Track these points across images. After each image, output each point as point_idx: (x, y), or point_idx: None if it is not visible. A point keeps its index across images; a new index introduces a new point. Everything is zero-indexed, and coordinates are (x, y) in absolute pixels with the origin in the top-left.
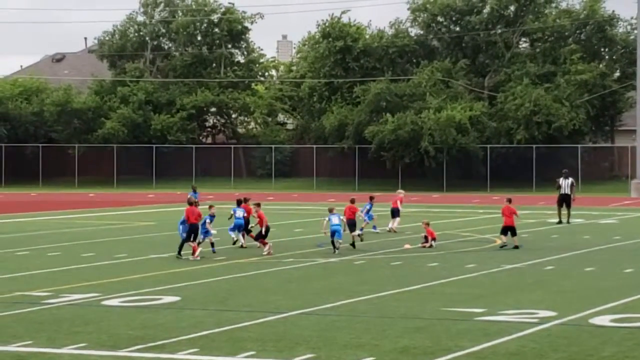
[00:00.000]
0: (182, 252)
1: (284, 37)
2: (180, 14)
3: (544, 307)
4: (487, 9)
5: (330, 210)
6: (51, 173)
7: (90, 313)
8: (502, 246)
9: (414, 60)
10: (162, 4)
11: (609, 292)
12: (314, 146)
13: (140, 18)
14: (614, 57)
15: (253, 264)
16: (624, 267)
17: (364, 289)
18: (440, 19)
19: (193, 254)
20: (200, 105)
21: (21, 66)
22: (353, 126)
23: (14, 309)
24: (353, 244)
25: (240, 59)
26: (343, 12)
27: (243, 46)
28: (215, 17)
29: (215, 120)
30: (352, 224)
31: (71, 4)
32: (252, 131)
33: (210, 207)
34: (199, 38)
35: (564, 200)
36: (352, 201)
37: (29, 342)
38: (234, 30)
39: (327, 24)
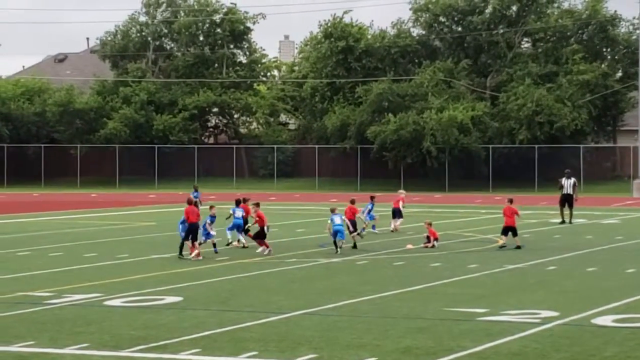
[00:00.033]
0: (183, 252)
1: (286, 37)
2: (183, 14)
3: (546, 307)
4: (489, 9)
5: (332, 211)
6: (53, 173)
7: (92, 313)
8: (502, 247)
9: (416, 61)
10: (164, 4)
11: (611, 292)
12: (316, 146)
13: (143, 18)
14: (616, 57)
15: (255, 264)
16: (626, 267)
17: (367, 289)
18: (442, 19)
19: (191, 253)
20: (202, 106)
21: (23, 66)
22: (355, 126)
23: (16, 310)
24: (354, 245)
25: (243, 59)
26: (345, 12)
27: (245, 46)
28: (217, 18)
29: (217, 121)
30: (352, 225)
31: (73, 4)
32: (254, 131)
33: (211, 207)
34: (201, 38)
35: (567, 201)
36: (353, 202)
37: (31, 342)
38: (236, 31)
39: (329, 24)
